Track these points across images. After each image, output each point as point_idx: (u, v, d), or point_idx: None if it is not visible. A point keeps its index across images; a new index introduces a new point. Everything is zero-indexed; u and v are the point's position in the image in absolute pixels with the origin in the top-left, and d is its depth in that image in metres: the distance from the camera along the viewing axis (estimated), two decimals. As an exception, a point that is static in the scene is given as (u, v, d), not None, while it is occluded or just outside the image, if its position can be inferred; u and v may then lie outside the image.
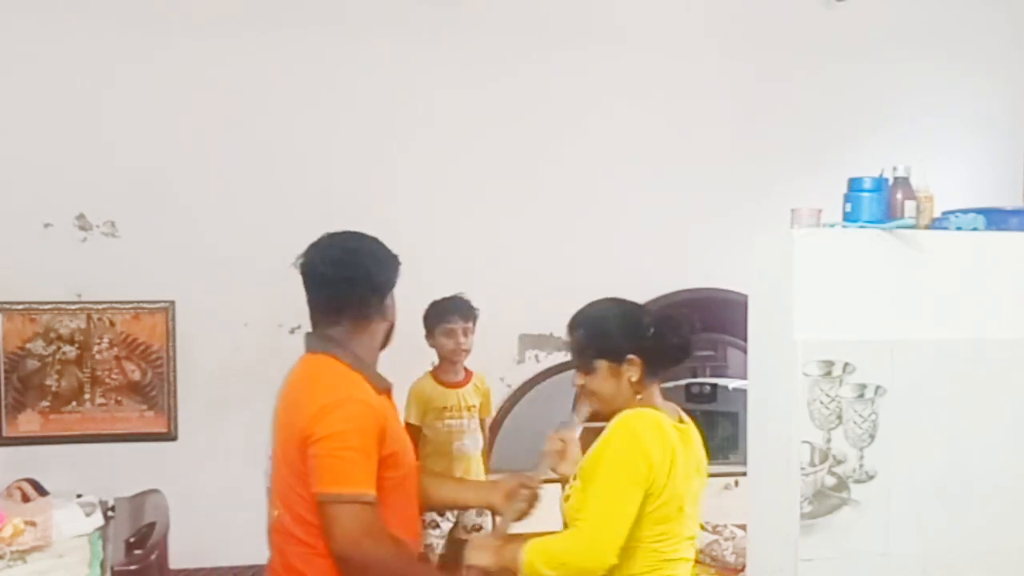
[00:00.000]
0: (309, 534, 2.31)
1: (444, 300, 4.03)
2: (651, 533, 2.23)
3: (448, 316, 3.98)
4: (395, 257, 2.53)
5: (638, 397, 2.32)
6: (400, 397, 3.93)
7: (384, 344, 2.56)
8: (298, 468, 2.31)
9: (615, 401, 2.35)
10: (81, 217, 4.52)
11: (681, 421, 2.36)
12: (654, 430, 2.23)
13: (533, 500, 2.60)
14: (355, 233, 2.57)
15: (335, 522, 2.23)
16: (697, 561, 3.24)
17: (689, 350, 2.39)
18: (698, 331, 2.40)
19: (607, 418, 2.33)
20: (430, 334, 4.02)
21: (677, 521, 2.25)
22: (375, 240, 2.55)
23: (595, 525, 2.18)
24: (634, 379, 2.32)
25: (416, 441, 3.86)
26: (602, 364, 2.35)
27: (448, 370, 4.06)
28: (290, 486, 2.34)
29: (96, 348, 4.51)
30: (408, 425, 3.86)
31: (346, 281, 2.40)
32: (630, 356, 2.32)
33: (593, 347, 2.37)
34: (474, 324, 4.02)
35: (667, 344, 2.35)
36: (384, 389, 2.46)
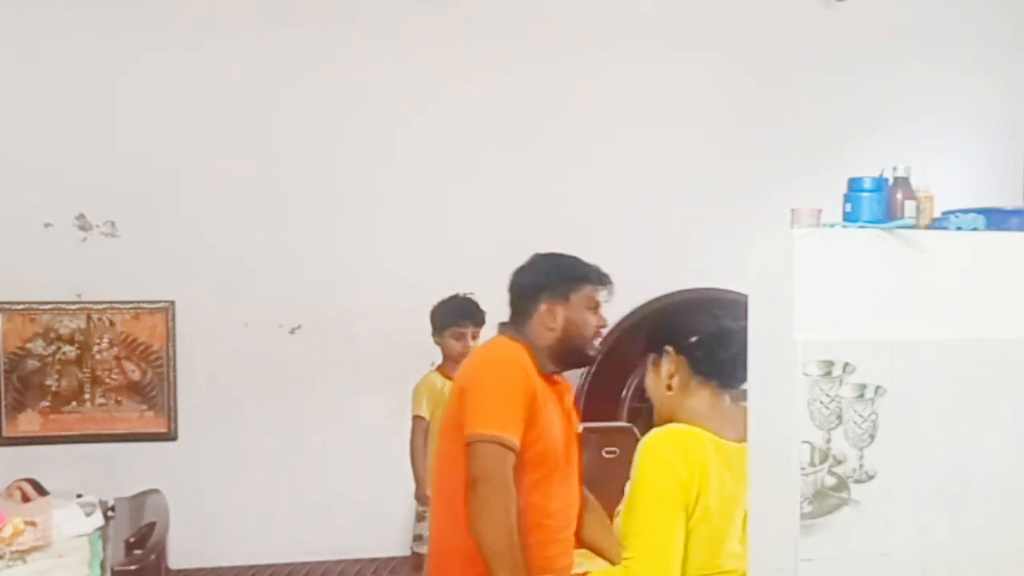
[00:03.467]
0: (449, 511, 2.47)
1: (454, 301, 4.00)
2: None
3: (460, 319, 3.94)
4: (553, 270, 2.64)
5: (668, 393, 2.20)
6: (405, 393, 3.94)
7: (566, 359, 2.60)
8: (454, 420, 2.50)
9: (657, 400, 2.24)
10: (81, 217, 4.52)
11: (741, 440, 2.19)
12: (677, 446, 2.13)
13: None
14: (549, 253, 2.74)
15: (473, 458, 2.38)
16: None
17: (736, 368, 2.17)
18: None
19: (658, 424, 2.22)
20: (438, 333, 3.99)
21: (711, 551, 2.14)
22: (550, 255, 2.70)
23: (643, 565, 2.09)
24: (671, 375, 2.20)
25: (426, 435, 3.88)
26: (650, 356, 2.26)
27: (454, 368, 4.05)
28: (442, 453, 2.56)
29: (96, 348, 4.52)
30: (417, 417, 3.91)
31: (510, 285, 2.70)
32: (667, 347, 2.21)
33: (646, 336, 2.29)
34: (482, 327, 4.01)
35: (712, 353, 2.20)
36: (548, 374, 2.55)
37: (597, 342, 2.63)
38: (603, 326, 2.63)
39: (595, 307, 2.61)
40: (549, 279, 2.64)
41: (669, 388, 2.23)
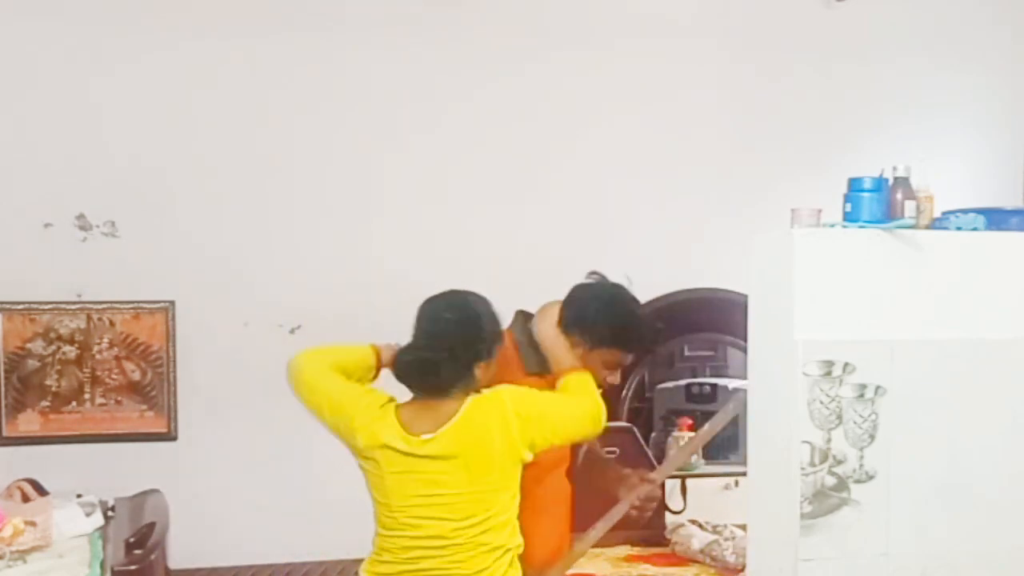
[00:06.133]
0: None
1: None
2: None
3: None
4: (603, 317, 2.69)
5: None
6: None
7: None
8: None
9: None
10: (81, 217, 4.52)
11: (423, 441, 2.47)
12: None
13: (649, 500, 2.65)
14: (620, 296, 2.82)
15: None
16: (696, 561, 3.24)
17: (410, 371, 2.54)
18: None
19: None
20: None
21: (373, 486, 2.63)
22: (618, 299, 2.78)
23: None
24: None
25: None
26: None
27: None
28: None
29: (96, 348, 4.51)
30: None
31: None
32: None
33: None
34: None
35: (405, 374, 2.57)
36: (531, 373, 2.63)
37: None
38: (613, 384, 2.65)
39: (613, 366, 2.64)
40: (591, 319, 2.64)
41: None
